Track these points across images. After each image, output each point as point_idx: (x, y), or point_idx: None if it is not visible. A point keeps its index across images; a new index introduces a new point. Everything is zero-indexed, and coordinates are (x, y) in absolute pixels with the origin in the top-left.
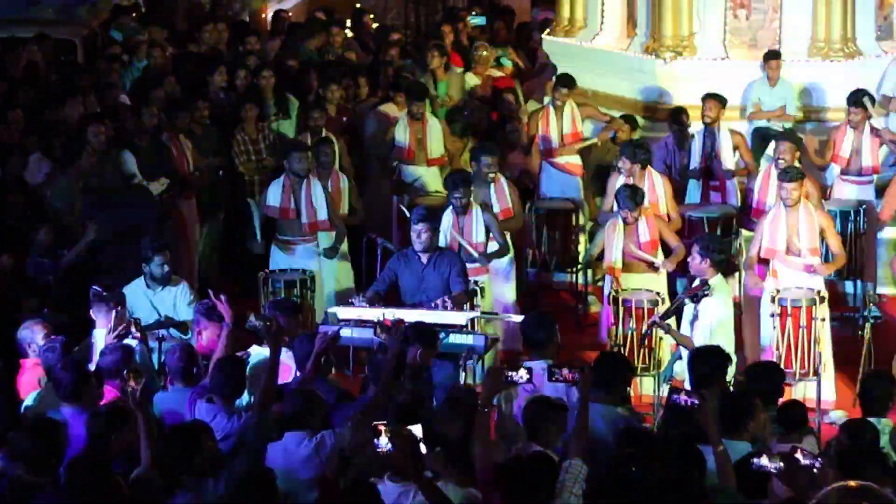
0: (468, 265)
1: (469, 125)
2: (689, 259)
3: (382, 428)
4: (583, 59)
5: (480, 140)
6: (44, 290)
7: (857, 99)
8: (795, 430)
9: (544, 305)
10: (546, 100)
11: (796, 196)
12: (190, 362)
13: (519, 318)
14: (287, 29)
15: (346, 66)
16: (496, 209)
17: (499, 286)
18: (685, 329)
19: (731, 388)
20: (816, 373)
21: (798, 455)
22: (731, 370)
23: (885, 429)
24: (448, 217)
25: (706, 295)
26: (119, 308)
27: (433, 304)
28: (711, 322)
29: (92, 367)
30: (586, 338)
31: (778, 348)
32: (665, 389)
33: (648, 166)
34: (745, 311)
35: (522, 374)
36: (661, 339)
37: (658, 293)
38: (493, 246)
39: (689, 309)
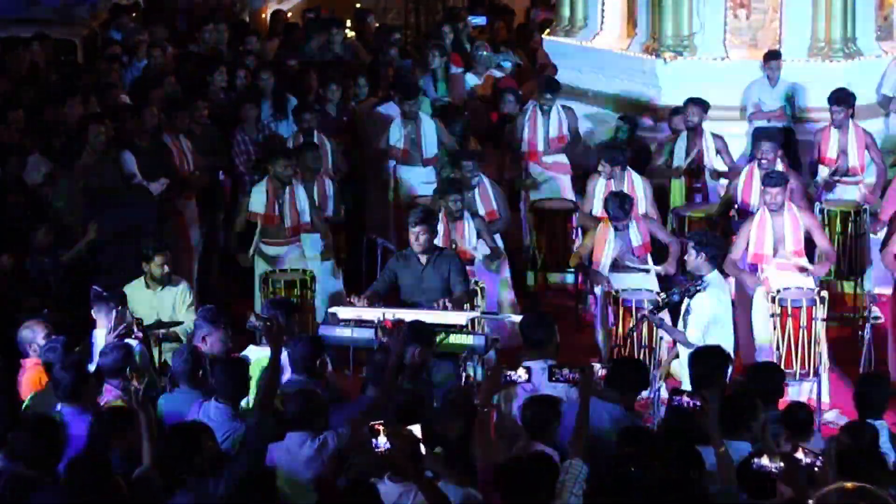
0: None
1: (469, 126)
2: (685, 255)
3: (380, 428)
4: (583, 59)
5: (480, 140)
6: (44, 290)
7: (839, 97)
8: (802, 432)
9: (543, 306)
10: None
11: (780, 200)
12: (196, 364)
13: (518, 318)
14: (284, 29)
15: (346, 67)
16: (481, 212)
17: (490, 286)
18: (679, 325)
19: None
20: (817, 373)
21: (798, 454)
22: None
23: (882, 431)
24: (440, 224)
25: (699, 290)
26: (119, 308)
27: (434, 305)
28: (704, 318)
29: (92, 367)
30: (585, 338)
31: (778, 348)
32: (660, 385)
33: (627, 167)
34: (738, 311)
35: (521, 374)
36: (661, 339)
37: (658, 293)
38: (484, 249)
39: (684, 304)
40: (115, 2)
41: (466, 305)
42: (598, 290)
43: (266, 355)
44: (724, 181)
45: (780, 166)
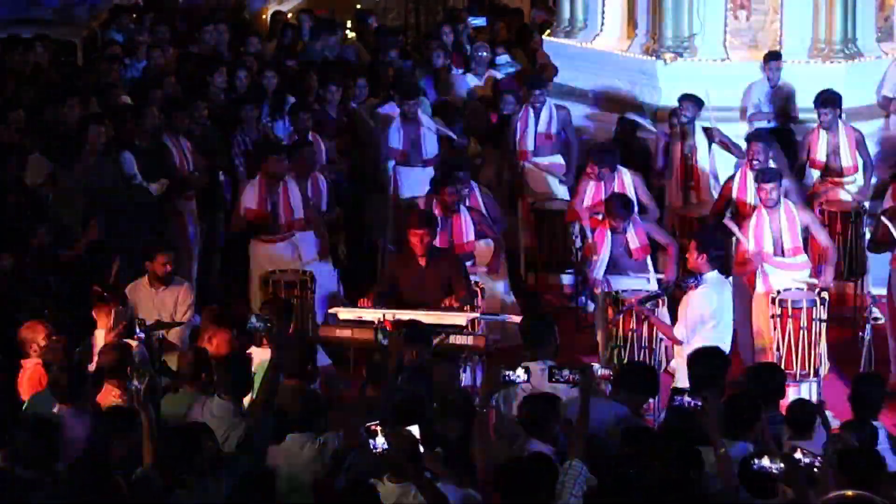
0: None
1: (469, 126)
2: (686, 254)
3: (378, 428)
4: (583, 59)
5: (480, 141)
6: (44, 290)
7: (826, 99)
8: (805, 431)
9: (543, 306)
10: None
11: (776, 196)
12: (199, 366)
13: (518, 319)
14: (281, 29)
15: (346, 67)
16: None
17: (489, 284)
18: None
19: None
20: (817, 373)
21: (798, 455)
22: None
23: (878, 432)
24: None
25: (689, 287)
26: (120, 308)
27: (441, 307)
28: (693, 316)
29: (92, 367)
30: (585, 339)
31: (778, 349)
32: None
33: (618, 166)
34: (737, 311)
35: (520, 374)
36: (660, 340)
37: (693, 276)
38: (482, 245)
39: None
40: (116, 3)
41: (466, 306)
42: (597, 290)
43: (267, 356)
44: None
45: (771, 166)
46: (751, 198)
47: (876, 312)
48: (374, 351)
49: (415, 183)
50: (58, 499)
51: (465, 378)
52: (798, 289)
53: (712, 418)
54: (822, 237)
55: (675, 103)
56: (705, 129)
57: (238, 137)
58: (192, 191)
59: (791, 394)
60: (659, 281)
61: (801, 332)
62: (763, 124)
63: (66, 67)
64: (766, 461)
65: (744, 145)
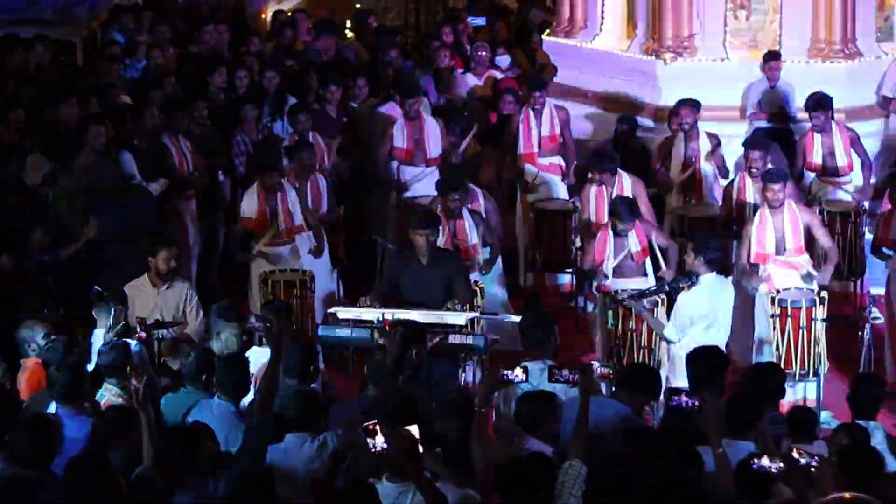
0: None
1: (468, 126)
2: (685, 256)
3: (377, 427)
4: (583, 59)
5: (480, 141)
6: (43, 290)
7: (817, 102)
8: (806, 435)
9: (542, 306)
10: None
11: (781, 197)
12: (202, 366)
13: (517, 319)
14: (279, 29)
15: (346, 67)
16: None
17: (487, 286)
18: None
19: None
20: (816, 373)
21: (796, 455)
22: None
23: (876, 432)
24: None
25: (682, 288)
26: (119, 307)
27: (445, 308)
28: (683, 317)
29: (91, 366)
30: (584, 339)
31: (778, 349)
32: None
33: (619, 171)
34: (738, 311)
35: (518, 374)
36: (660, 339)
37: (689, 276)
38: (484, 252)
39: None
40: (117, 3)
41: (466, 306)
42: (594, 289)
43: (267, 356)
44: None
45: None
46: (751, 200)
47: (875, 312)
48: (375, 351)
49: (418, 182)
50: (58, 498)
51: (467, 376)
52: (797, 289)
53: (710, 418)
54: (823, 237)
55: (674, 103)
56: (708, 134)
57: (238, 137)
58: (192, 191)
59: (789, 394)
60: (658, 279)
61: (801, 331)
62: (762, 124)
63: (66, 67)
64: (765, 461)
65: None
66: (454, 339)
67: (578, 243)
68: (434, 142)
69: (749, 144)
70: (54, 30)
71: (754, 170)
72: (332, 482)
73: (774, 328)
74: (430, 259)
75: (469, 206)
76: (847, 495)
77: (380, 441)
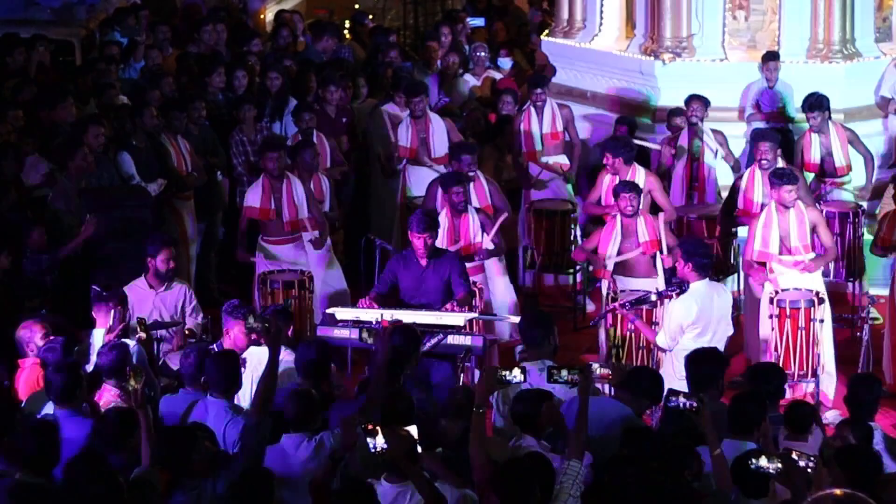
0: (468, 265)
1: (467, 126)
2: (675, 263)
3: (377, 428)
4: (581, 60)
5: (479, 141)
6: (42, 289)
7: (813, 103)
8: (803, 430)
9: (542, 306)
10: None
11: (794, 197)
12: (202, 367)
13: (517, 319)
14: (276, 29)
15: (345, 67)
16: (477, 206)
17: (493, 285)
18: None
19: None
20: (815, 374)
21: (794, 455)
22: None
23: (875, 432)
24: (443, 220)
25: (669, 296)
26: (119, 308)
27: (443, 309)
28: (672, 324)
29: (90, 367)
30: (584, 339)
31: (776, 349)
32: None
33: (634, 163)
34: (747, 312)
35: (517, 374)
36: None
37: (677, 283)
38: (488, 245)
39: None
40: (118, 6)
41: (464, 307)
42: (603, 288)
43: (265, 356)
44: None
45: (780, 164)
46: (759, 196)
47: (874, 313)
48: (374, 351)
49: (424, 181)
50: (58, 498)
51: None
52: (796, 289)
53: (708, 419)
54: (825, 237)
55: (673, 103)
56: (714, 131)
57: (236, 137)
58: (191, 191)
59: (788, 394)
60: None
61: (799, 332)
62: (761, 124)
63: (64, 68)
64: (763, 461)
65: (740, 144)
66: (453, 339)
67: (581, 241)
68: (440, 141)
69: (759, 136)
70: (53, 30)
71: (764, 162)
72: (331, 483)
73: (773, 329)
74: (428, 260)
75: (474, 196)
76: (838, 491)
77: (380, 441)
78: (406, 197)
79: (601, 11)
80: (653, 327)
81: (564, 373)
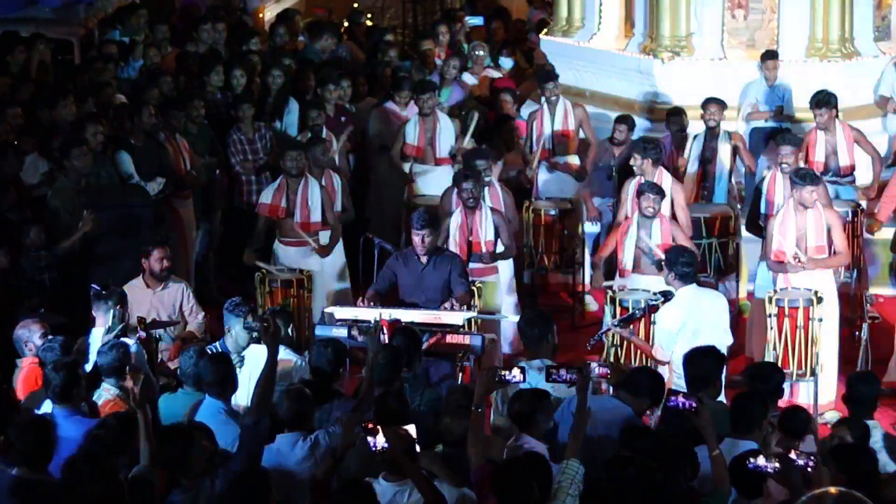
0: (475, 265)
1: (466, 125)
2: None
3: (378, 427)
4: (580, 59)
5: (477, 141)
6: (40, 288)
7: (820, 100)
8: (798, 438)
9: (541, 306)
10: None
11: (815, 198)
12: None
13: (516, 318)
14: (272, 28)
15: (344, 67)
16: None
17: (504, 285)
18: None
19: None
20: (814, 373)
21: (793, 455)
22: None
23: (874, 431)
24: (457, 216)
25: (655, 307)
26: (118, 307)
27: (442, 308)
28: (661, 332)
29: (89, 366)
30: (583, 338)
31: (775, 348)
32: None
33: (661, 166)
34: (755, 313)
35: (516, 374)
36: None
37: (662, 293)
38: (499, 247)
39: None
40: (118, 5)
41: (463, 306)
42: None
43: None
44: (735, 181)
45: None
46: (781, 199)
47: (873, 312)
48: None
49: (430, 180)
50: (58, 496)
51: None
52: (795, 288)
53: (707, 419)
54: (837, 241)
55: (672, 103)
56: (730, 133)
57: (234, 136)
58: (189, 190)
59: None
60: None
61: (798, 331)
62: (760, 124)
63: (63, 66)
64: (761, 460)
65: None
66: (451, 338)
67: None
68: (446, 140)
69: (781, 140)
70: (52, 29)
71: (785, 165)
72: (331, 482)
73: (772, 328)
74: (428, 259)
75: (488, 199)
76: (833, 490)
77: (380, 440)
78: (413, 196)
79: (600, 10)
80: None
81: (563, 372)
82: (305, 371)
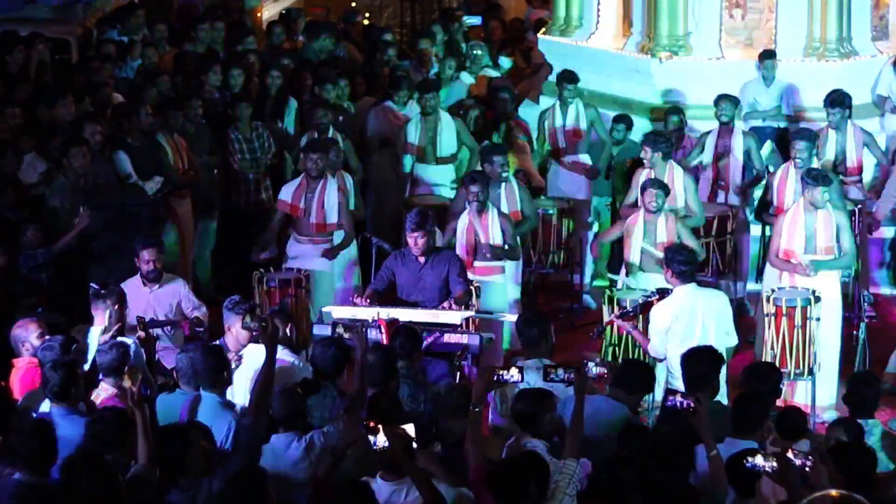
0: (482, 263)
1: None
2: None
3: (379, 426)
4: (578, 58)
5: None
6: (38, 286)
7: (834, 99)
8: (794, 437)
9: (540, 305)
10: (544, 99)
11: (826, 199)
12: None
13: (514, 318)
14: (269, 27)
15: (341, 67)
16: (504, 210)
17: (510, 286)
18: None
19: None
20: (811, 372)
21: (790, 455)
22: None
23: (874, 430)
24: (464, 218)
25: (651, 303)
26: (116, 307)
27: (441, 307)
28: (654, 329)
29: (87, 366)
30: (581, 338)
31: (773, 348)
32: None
33: (671, 160)
34: (759, 312)
35: (514, 374)
36: None
37: (659, 290)
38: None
39: None
40: (116, 5)
41: (462, 305)
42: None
43: (263, 355)
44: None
45: (814, 164)
46: (791, 195)
47: (871, 312)
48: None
49: (430, 180)
50: (56, 497)
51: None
52: (792, 287)
53: (704, 419)
54: (843, 242)
55: (670, 101)
56: (744, 133)
57: (232, 135)
58: (187, 189)
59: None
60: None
61: (796, 330)
62: (758, 123)
63: (61, 66)
64: (759, 460)
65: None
66: (450, 338)
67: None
68: (448, 140)
69: (795, 135)
70: (50, 28)
71: (799, 161)
72: (331, 481)
73: (769, 327)
74: (427, 258)
75: (504, 199)
76: (834, 492)
77: (381, 439)
78: (413, 195)
79: (598, 10)
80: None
81: (560, 371)
82: (305, 371)
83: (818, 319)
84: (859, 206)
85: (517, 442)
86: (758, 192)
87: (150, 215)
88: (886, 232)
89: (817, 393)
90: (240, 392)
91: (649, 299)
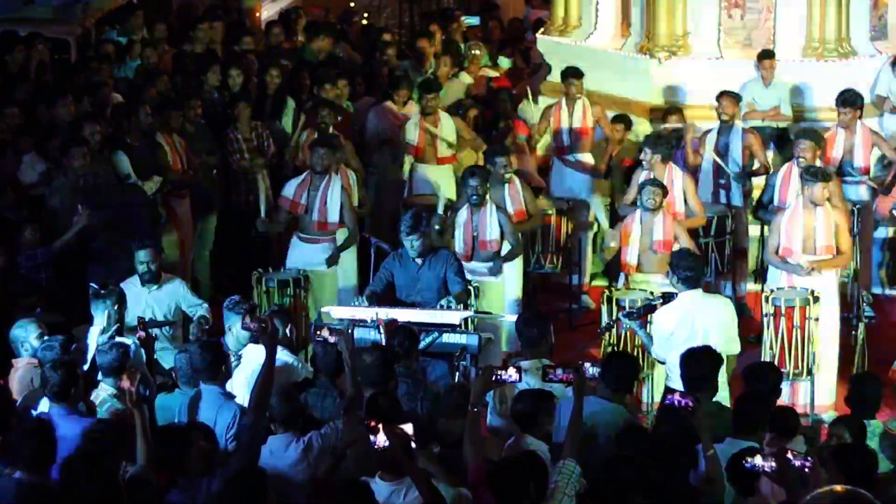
0: (486, 264)
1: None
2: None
3: (379, 425)
4: (577, 58)
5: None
6: (37, 286)
7: (846, 99)
8: (788, 437)
9: (539, 304)
10: (543, 99)
11: (826, 196)
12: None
13: (513, 318)
14: (268, 27)
15: (340, 67)
16: (510, 210)
17: (509, 284)
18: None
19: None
20: (810, 372)
21: (790, 455)
22: None
23: (876, 430)
24: (463, 214)
25: (654, 307)
26: (116, 307)
27: (438, 306)
28: (657, 333)
29: (86, 366)
30: (581, 338)
31: (771, 348)
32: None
33: (670, 161)
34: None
35: (512, 374)
36: None
37: (663, 295)
38: (505, 247)
39: None
40: (116, 5)
41: (461, 305)
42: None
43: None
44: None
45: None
46: (793, 193)
47: (869, 311)
48: (365, 352)
49: (430, 180)
50: (56, 497)
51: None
52: (791, 287)
53: (703, 419)
54: (842, 241)
55: (669, 102)
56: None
57: (231, 135)
58: (186, 189)
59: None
60: None
61: (794, 330)
62: (757, 123)
63: (60, 66)
64: (758, 459)
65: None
66: (448, 338)
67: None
68: (447, 140)
69: (801, 134)
70: (50, 28)
71: (802, 160)
72: (332, 481)
73: (768, 327)
74: (424, 258)
75: (507, 197)
76: (839, 488)
77: (381, 439)
78: (412, 195)
79: (597, 10)
80: None
81: (559, 372)
82: (305, 371)
83: (817, 319)
84: (859, 206)
85: (517, 442)
86: (756, 193)
87: (150, 215)
88: (883, 232)
89: (816, 393)
90: (240, 392)
91: (653, 304)
